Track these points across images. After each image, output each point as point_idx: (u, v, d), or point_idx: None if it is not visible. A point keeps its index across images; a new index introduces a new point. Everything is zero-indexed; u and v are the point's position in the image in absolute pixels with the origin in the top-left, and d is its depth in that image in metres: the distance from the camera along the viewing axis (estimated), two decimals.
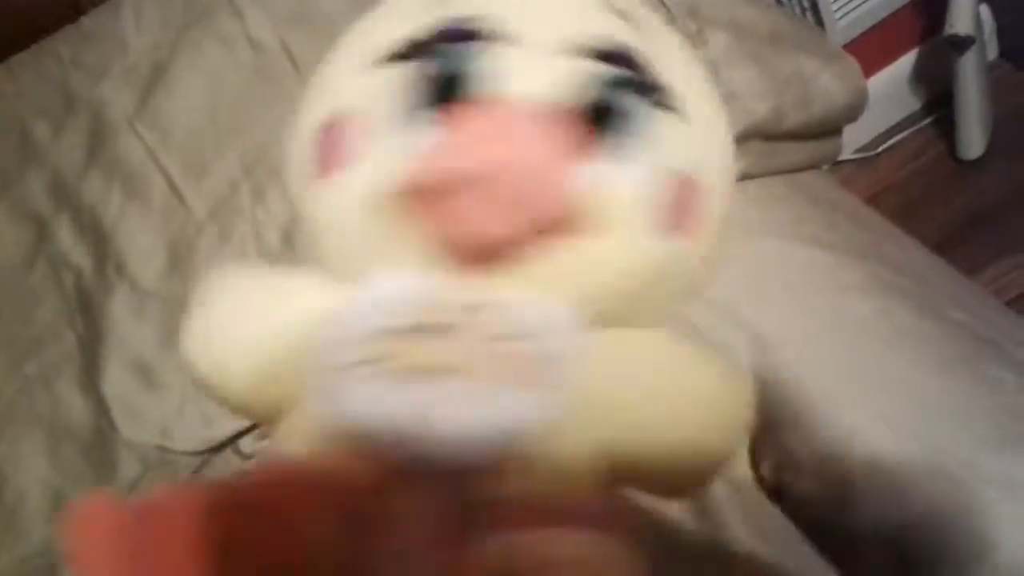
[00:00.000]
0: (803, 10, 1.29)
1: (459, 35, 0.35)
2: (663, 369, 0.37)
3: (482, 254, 0.34)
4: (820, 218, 0.80)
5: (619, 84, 0.36)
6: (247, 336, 0.39)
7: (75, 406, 0.78)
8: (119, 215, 0.81)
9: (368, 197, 0.35)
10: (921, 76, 1.46)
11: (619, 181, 0.35)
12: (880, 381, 0.64)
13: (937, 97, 1.45)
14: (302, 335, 0.36)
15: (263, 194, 0.81)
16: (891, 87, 1.44)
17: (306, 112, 0.40)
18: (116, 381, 0.78)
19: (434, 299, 0.34)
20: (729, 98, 0.81)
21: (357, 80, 0.37)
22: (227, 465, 0.79)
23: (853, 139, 1.47)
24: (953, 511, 0.58)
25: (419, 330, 0.33)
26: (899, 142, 1.47)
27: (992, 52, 1.45)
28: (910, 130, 1.47)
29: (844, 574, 0.58)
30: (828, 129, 0.87)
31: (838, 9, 1.30)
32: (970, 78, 1.31)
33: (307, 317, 0.37)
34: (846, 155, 1.46)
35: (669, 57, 0.39)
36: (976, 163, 1.39)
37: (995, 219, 1.33)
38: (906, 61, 1.44)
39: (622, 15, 0.38)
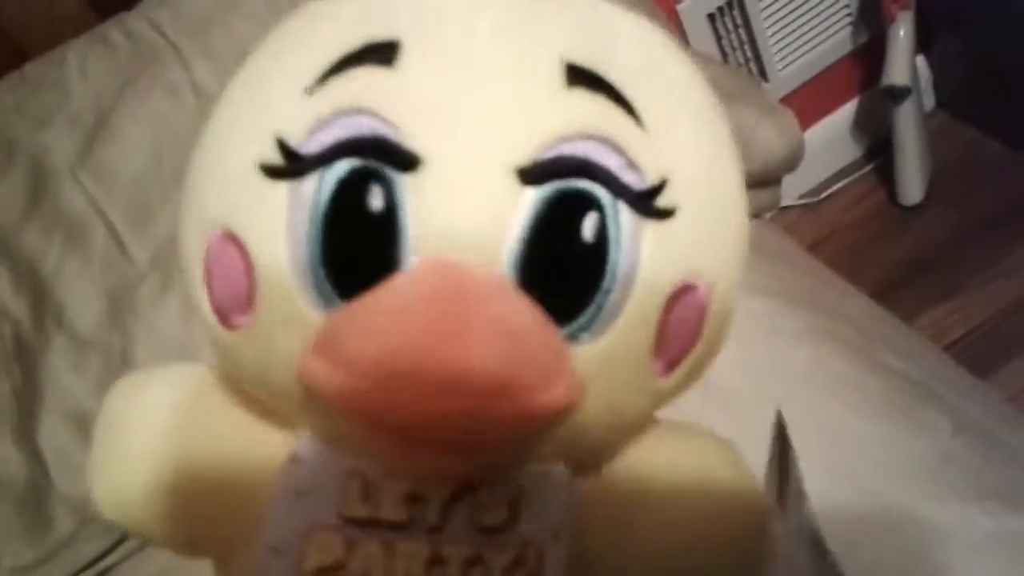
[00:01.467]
0: (746, 60, 1.32)
1: (366, 146, 0.25)
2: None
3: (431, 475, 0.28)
4: (762, 267, 0.82)
5: (594, 207, 0.26)
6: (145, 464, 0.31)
7: (9, 460, 0.76)
8: (58, 265, 0.79)
9: (273, 368, 0.27)
10: (861, 125, 1.50)
11: (594, 346, 0.26)
12: (818, 429, 0.65)
13: (878, 144, 1.49)
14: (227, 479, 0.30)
15: None
16: (833, 135, 1.49)
17: (187, 213, 0.30)
18: (52, 433, 0.76)
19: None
20: None
21: (236, 192, 0.27)
22: None
23: (798, 185, 1.50)
24: (893, 561, 0.59)
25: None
26: (842, 188, 1.51)
27: (929, 102, 1.50)
28: (852, 177, 1.51)
29: None
30: (768, 179, 0.89)
31: (779, 60, 1.33)
32: (908, 127, 1.35)
33: (235, 462, 0.30)
34: (791, 201, 1.49)
35: (672, 116, 0.28)
36: (916, 209, 1.43)
37: (934, 264, 1.37)
38: (847, 110, 1.49)
39: (597, 68, 0.26)
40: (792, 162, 0.88)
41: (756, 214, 0.91)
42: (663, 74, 0.29)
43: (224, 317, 0.28)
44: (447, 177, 0.25)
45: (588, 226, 0.25)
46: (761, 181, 0.88)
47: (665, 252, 0.27)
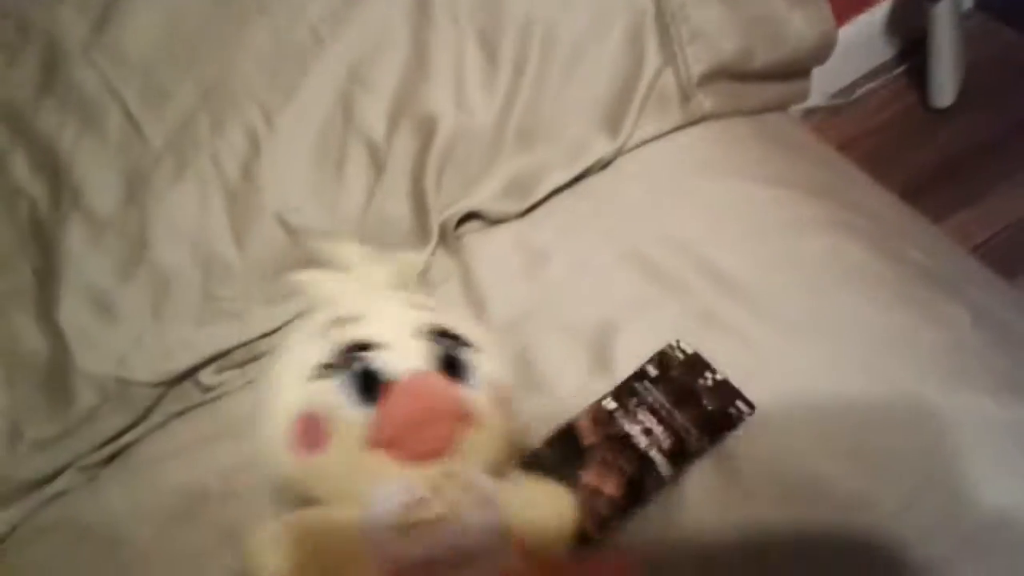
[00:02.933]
0: None
1: (359, 348, 0.55)
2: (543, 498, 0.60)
3: (432, 456, 0.55)
4: (781, 159, 0.80)
5: (452, 346, 0.58)
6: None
7: (30, 337, 0.77)
8: (74, 145, 0.79)
9: (347, 459, 0.55)
10: (896, 24, 1.45)
11: (476, 394, 0.57)
12: (831, 317, 0.64)
13: (911, 46, 1.44)
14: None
15: (222, 125, 0.80)
16: (866, 35, 1.44)
17: (272, 413, 0.57)
18: (73, 312, 0.77)
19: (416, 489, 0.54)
20: (696, 36, 0.80)
21: (307, 389, 0.55)
22: (187, 397, 0.79)
23: (827, 86, 1.46)
24: (906, 446, 0.59)
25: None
26: (872, 90, 1.47)
27: (967, 1, 1.44)
28: (884, 78, 1.47)
29: None
30: (797, 70, 0.86)
31: None
32: (944, 27, 1.30)
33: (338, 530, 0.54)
34: (820, 102, 1.46)
35: (461, 323, 0.61)
36: (947, 112, 1.39)
37: (962, 168, 1.34)
38: (882, 8, 1.43)
39: (429, 311, 0.61)
40: (823, 52, 0.85)
41: (783, 106, 0.89)
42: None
43: (308, 451, 0.56)
44: (399, 354, 0.56)
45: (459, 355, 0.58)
46: (790, 72, 0.85)
47: (483, 363, 0.59)
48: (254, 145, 0.80)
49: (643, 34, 0.80)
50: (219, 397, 0.79)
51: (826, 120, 1.47)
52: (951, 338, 0.65)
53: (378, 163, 0.80)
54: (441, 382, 0.55)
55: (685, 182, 0.78)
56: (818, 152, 0.86)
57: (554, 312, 0.73)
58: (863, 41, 1.43)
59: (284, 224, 0.79)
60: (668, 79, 0.80)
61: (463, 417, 0.55)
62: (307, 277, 0.63)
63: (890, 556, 0.54)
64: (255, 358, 0.80)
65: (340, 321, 0.58)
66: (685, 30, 0.79)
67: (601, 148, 0.81)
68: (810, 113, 1.45)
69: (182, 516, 0.69)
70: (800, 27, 0.82)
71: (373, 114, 0.80)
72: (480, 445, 0.57)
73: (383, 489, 0.54)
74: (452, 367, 0.57)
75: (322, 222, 0.79)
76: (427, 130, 0.79)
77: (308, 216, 0.79)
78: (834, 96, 1.45)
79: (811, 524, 0.56)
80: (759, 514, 0.57)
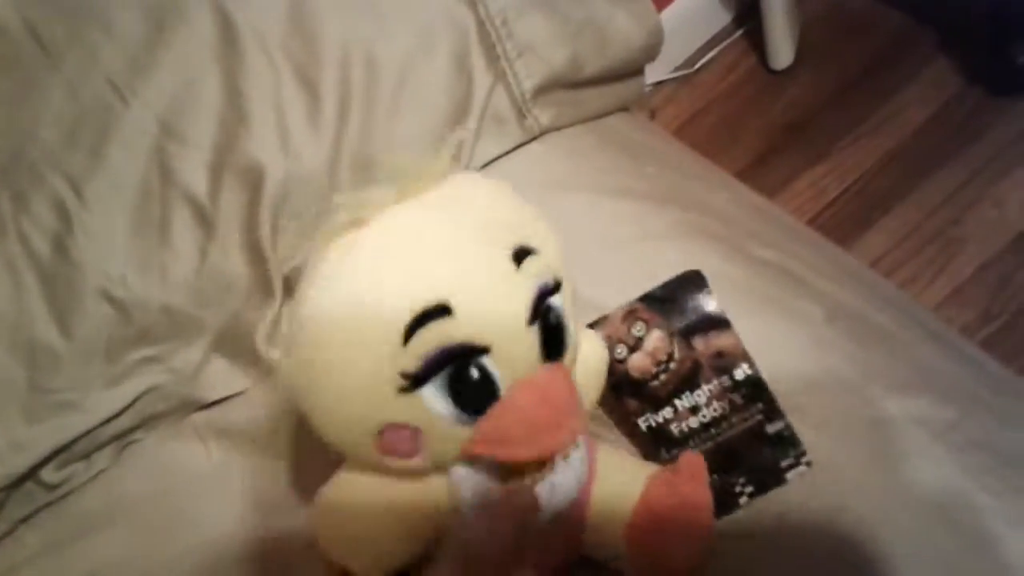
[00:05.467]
0: None
1: (455, 352, 0.43)
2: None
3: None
4: (628, 166, 0.79)
5: (551, 308, 0.46)
6: (382, 534, 0.50)
7: None
8: None
9: (435, 462, 0.47)
10: None
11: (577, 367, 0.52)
12: None
13: (746, 10, 1.46)
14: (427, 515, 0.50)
15: (25, 201, 0.72)
16: (702, 3, 1.44)
17: (347, 414, 0.45)
18: None
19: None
20: (523, 50, 0.77)
21: (401, 401, 0.44)
22: (31, 499, 0.73)
23: (672, 58, 1.47)
24: None
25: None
26: (714, 57, 1.48)
27: None
28: (724, 44, 1.48)
29: None
30: (628, 71, 0.84)
31: None
32: None
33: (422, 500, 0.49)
34: (666, 75, 1.46)
35: (546, 237, 0.48)
36: (787, 72, 1.42)
37: (808, 126, 1.38)
38: None
39: (520, 233, 0.46)
40: (652, 50, 0.84)
41: (621, 107, 0.87)
42: (523, 211, 0.50)
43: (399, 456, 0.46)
44: (505, 352, 0.44)
45: (553, 319, 0.46)
46: (622, 73, 0.84)
47: (566, 295, 0.48)
48: (64, 218, 0.73)
49: (469, 53, 0.76)
50: (66, 494, 0.74)
51: (674, 92, 1.48)
52: (809, 337, 0.65)
53: (206, 221, 0.74)
54: (554, 383, 0.45)
55: (531, 202, 0.75)
56: (661, 151, 0.86)
57: None
58: (699, 11, 1.44)
59: (110, 299, 0.73)
60: (501, 97, 0.77)
61: (582, 409, 0.49)
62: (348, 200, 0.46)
63: None
64: (100, 446, 0.74)
65: (421, 292, 0.43)
66: (511, 45, 0.76)
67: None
68: (656, 88, 1.45)
69: None
70: (625, 27, 0.80)
71: (193, 169, 0.74)
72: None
73: (466, 470, 0.48)
74: (554, 338, 0.46)
75: (151, 291, 0.73)
76: (254, 181, 0.74)
77: (135, 287, 0.73)
78: (678, 68, 1.46)
79: None
80: None
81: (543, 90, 0.78)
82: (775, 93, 1.42)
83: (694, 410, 0.58)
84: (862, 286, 0.72)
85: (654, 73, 1.42)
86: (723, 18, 1.48)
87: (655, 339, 0.59)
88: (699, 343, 0.59)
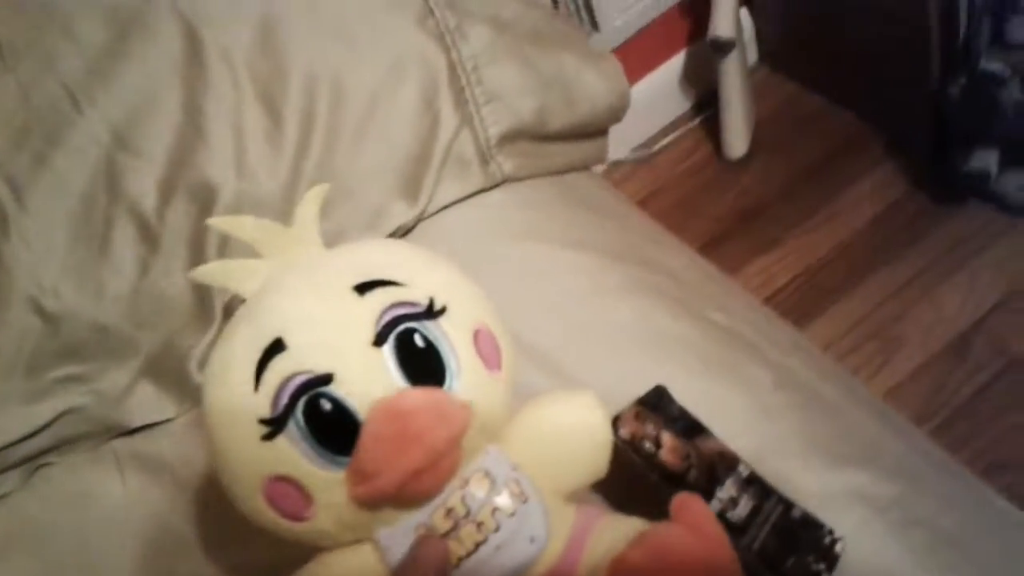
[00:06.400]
0: (578, 9, 1.29)
1: (301, 385, 0.42)
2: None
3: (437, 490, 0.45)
4: (585, 221, 0.79)
5: (414, 331, 0.44)
6: None
7: None
8: None
9: (340, 518, 0.44)
10: (689, 78, 1.51)
11: (457, 380, 0.46)
12: (640, 386, 0.62)
13: (705, 98, 1.51)
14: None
15: None
16: (663, 88, 1.49)
17: (234, 478, 0.45)
18: None
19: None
20: (491, 97, 0.78)
21: (261, 453, 0.43)
22: None
23: (631, 138, 1.50)
24: None
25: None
26: (673, 141, 1.52)
27: (752, 56, 1.52)
28: (682, 130, 1.52)
29: None
30: (593, 130, 0.85)
31: (613, 9, 1.31)
32: (732, 81, 1.36)
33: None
34: (625, 155, 1.49)
35: (423, 271, 0.48)
36: (741, 162, 1.45)
37: (760, 215, 1.40)
38: (676, 62, 1.49)
39: (378, 271, 0.46)
40: (618, 112, 0.85)
41: (584, 165, 0.88)
42: (399, 254, 0.49)
43: (289, 519, 0.45)
44: (350, 373, 0.42)
45: (419, 340, 0.44)
46: (587, 132, 0.84)
47: (456, 323, 0.46)
48: (2, 223, 0.70)
49: (437, 93, 0.76)
50: None
51: (631, 172, 1.50)
52: (756, 403, 0.64)
53: (150, 238, 0.72)
54: (409, 400, 0.42)
55: (488, 249, 0.75)
56: (620, 211, 0.86)
57: None
58: (660, 96, 1.48)
59: (39, 310, 0.69)
60: (466, 140, 0.77)
61: (455, 428, 0.43)
62: (211, 270, 0.48)
63: None
64: (8, 468, 0.70)
65: (261, 334, 0.43)
66: (479, 91, 0.77)
67: (401, 214, 0.76)
68: (615, 167, 1.48)
69: None
70: (593, 87, 0.81)
71: (142, 182, 0.72)
72: (485, 428, 0.46)
73: (389, 532, 0.45)
74: (419, 357, 0.44)
75: (85, 305, 0.70)
76: (205, 200, 0.72)
77: (68, 299, 0.70)
78: (635, 149, 1.49)
79: None
80: None
81: (508, 139, 0.78)
82: (729, 181, 1.46)
83: (733, 502, 0.57)
84: (811, 359, 0.72)
85: (614, 152, 1.45)
86: (683, 104, 1.53)
87: (668, 438, 0.58)
88: (700, 444, 0.58)
